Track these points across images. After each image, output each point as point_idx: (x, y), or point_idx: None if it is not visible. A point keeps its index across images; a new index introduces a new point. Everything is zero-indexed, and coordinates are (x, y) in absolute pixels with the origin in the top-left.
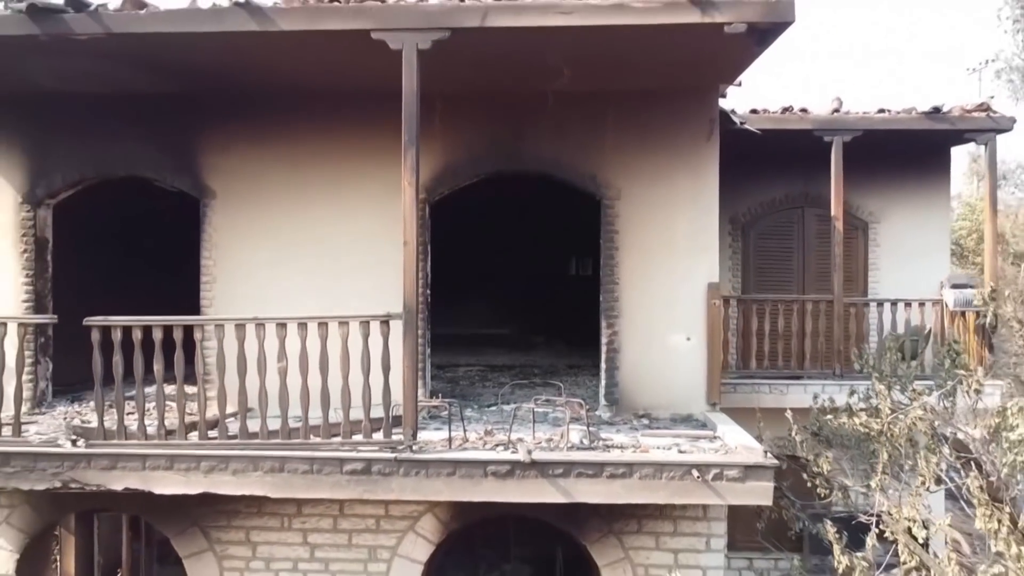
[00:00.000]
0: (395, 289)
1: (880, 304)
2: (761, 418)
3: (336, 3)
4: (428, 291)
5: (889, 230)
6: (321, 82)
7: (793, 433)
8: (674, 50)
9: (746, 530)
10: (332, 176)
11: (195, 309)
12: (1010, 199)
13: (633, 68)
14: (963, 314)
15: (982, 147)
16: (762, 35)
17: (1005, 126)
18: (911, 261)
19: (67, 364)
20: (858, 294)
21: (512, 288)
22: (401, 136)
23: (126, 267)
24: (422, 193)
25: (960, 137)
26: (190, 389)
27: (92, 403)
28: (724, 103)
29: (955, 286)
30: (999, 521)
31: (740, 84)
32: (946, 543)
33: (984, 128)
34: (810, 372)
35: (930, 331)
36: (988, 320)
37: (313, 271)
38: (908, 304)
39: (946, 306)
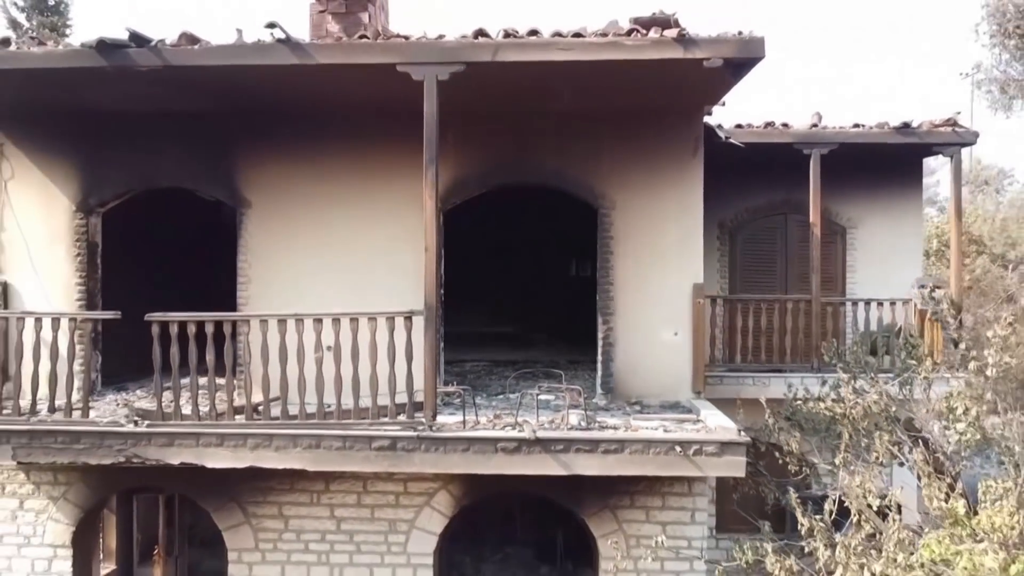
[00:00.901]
0: (410, 288)
1: (855, 303)
2: (741, 406)
3: (366, 40)
4: (442, 291)
5: (865, 235)
6: (348, 104)
7: (767, 417)
8: (661, 79)
9: (735, 517)
10: (355, 187)
11: (228, 306)
12: (989, 204)
13: (626, 94)
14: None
15: (970, 155)
16: (736, 68)
17: (969, 140)
18: (886, 263)
19: (109, 357)
20: (837, 294)
21: (515, 289)
22: (416, 151)
23: (163, 268)
24: (437, 203)
25: (929, 150)
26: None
27: (137, 391)
28: (718, 114)
29: (923, 286)
30: (938, 488)
31: (724, 104)
32: (896, 510)
33: (950, 142)
34: (790, 366)
35: (900, 328)
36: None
37: (337, 272)
38: (880, 303)
39: (915, 305)
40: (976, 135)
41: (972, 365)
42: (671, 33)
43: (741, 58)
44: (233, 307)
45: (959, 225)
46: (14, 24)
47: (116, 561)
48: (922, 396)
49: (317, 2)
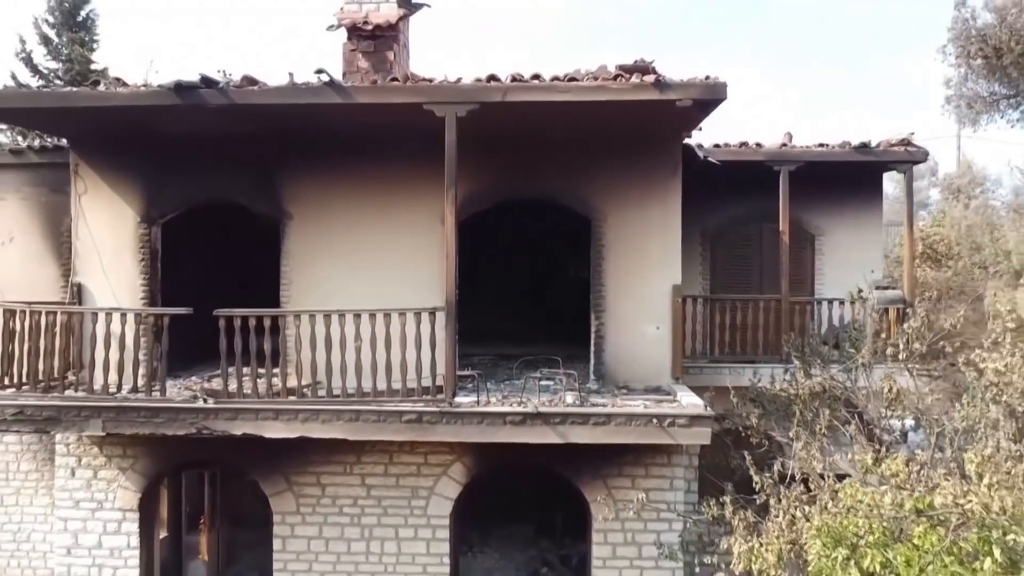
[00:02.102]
0: (428, 289)
1: (819, 302)
2: (713, 392)
3: (396, 83)
4: (457, 291)
5: (832, 242)
6: (377, 132)
7: (732, 398)
8: (642, 114)
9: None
10: (382, 201)
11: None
12: (957, 211)
13: (613, 125)
14: (886, 310)
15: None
16: (703, 107)
17: (919, 158)
18: (850, 267)
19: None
20: (807, 295)
21: (520, 290)
22: (433, 171)
23: (205, 270)
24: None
25: (886, 167)
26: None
27: (192, 378)
28: (707, 129)
29: (879, 288)
30: (865, 452)
31: (701, 129)
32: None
33: (903, 160)
34: (762, 358)
35: (860, 324)
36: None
37: (366, 274)
38: (841, 303)
39: (873, 303)
40: (926, 153)
41: (889, 351)
42: (649, 78)
43: (706, 99)
44: (269, 305)
45: (911, 233)
46: (45, 40)
47: (168, 529)
48: (863, 380)
49: (349, 41)
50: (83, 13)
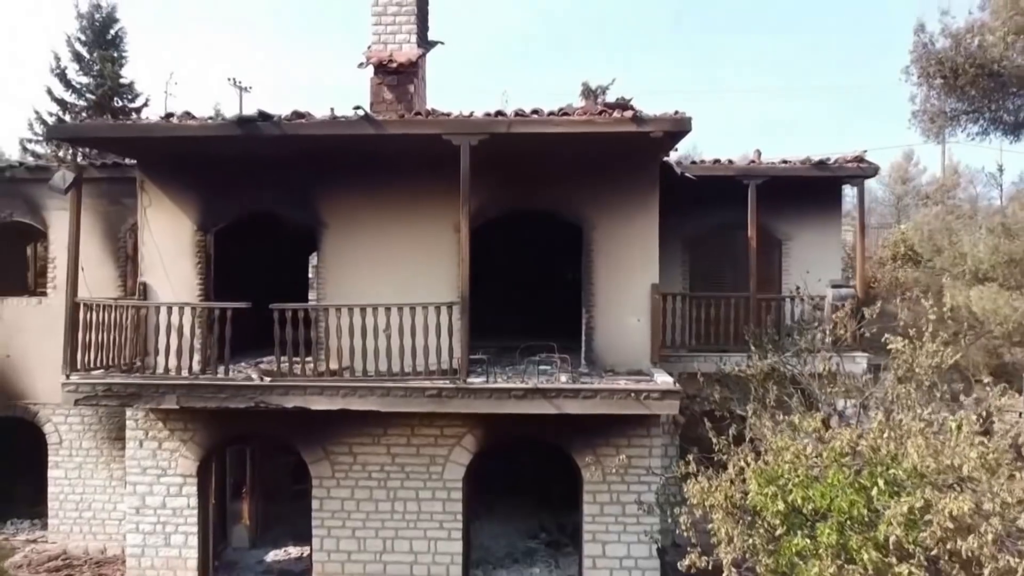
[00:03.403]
0: (443, 287)
1: (782, 299)
2: (686, 375)
3: (419, 116)
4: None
5: (797, 246)
6: (400, 155)
7: (699, 379)
8: (623, 141)
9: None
10: (403, 212)
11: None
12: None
13: (600, 149)
14: (840, 306)
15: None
16: (673, 137)
17: (870, 173)
18: (813, 268)
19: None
20: (775, 292)
21: (522, 289)
22: (447, 187)
23: (242, 270)
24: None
25: (841, 181)
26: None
27: (242, 363)
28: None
29: (834, 286)
30: (803, 420)
31: (677, 150)
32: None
33: (855, 175)
34: (733, 347)
35: (812, 317)
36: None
37: (389, 274)
38: (802, 299)
39: (828, 300)
40: (876, 169)
41: (828, 338)
42: (628, 114)
43: (675, 131)
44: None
45: (863, 239)
46: (78, 57)
47: (215, 497)
48: (809, 363)
49: (376, 76)
50: (112, 31)
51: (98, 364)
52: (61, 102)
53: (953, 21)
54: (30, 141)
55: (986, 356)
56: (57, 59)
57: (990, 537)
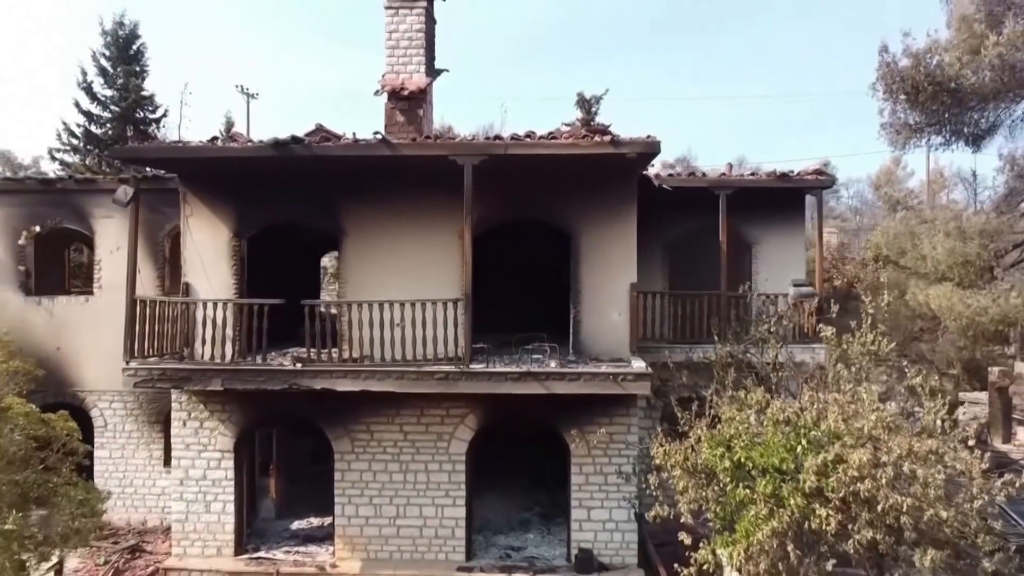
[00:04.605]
0: (449, 286)
1: (749, 297)
2: (660, 364)
3: (429, 140)
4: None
5: (765, 249)
6: (412, 171)
7: (670, 364)
8: (603, 160)
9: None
10: (413, 220)
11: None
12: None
13: (584, 166)
14: (801, 302)
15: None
16: (646, 158)
17: (828, 184)
18: (779, 269)
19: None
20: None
21: (518, 289)
22: (452, 200)
23: (271, 271)
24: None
25: (803, 192)
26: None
27: (272, 352)
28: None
29: (796, 284)
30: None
31: (653, 165)
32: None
33: (815, 186)
34: (705, 340)
35: (780, 313)
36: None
37: (402, 275)
38: (767, 296)
39: (789, 298)
40: (834, 181)
41: (780, 330)
42: (607, 138)
43: (647, 153)
44: (313, 298)
45: (821, 243)
46: (103, 72)
47: (246, 473)
48: (765, 352)
49: (390, 101)
50: (134, 47)
51: (151, 352)
52: (87, 114)
53: (914, 42)
54: (58, 150)
55: (958, 351)
56: (84, 73)
57: (884, 481)
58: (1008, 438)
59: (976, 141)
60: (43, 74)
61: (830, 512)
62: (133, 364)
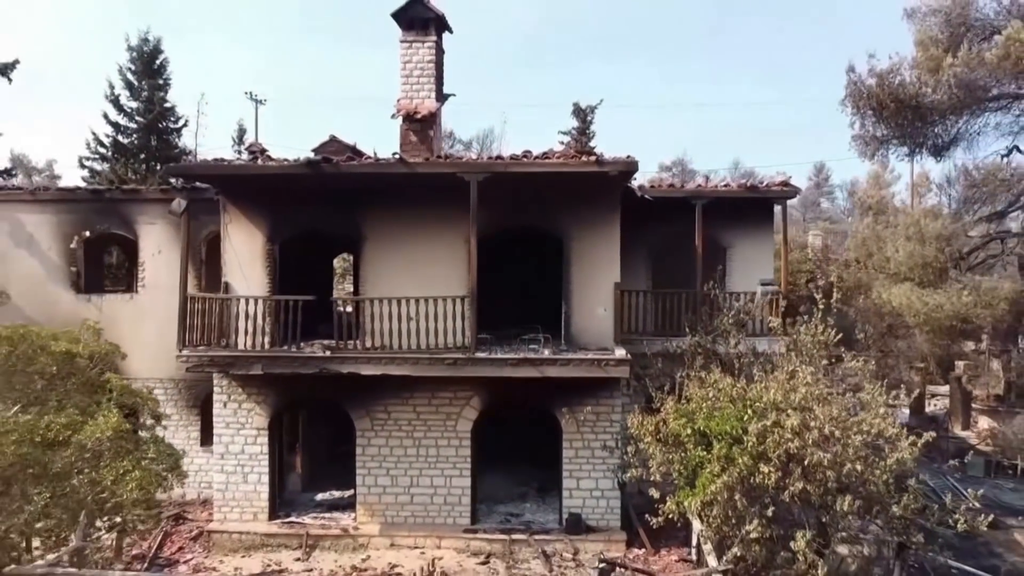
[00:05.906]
0: (456, 284)
1: (723, 295)
2: (639, 354)
3: (440, 159)
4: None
5: (738, 252)
6: (424, 185)
7: (648, 353)
8: (590, 176)
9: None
10: (425, 227)
11: (330, 294)
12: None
13: (575, 181)
14: (769, 300)
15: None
16: (626, 175)
17: (791, 195)
18: (750, 270)
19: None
20: (721, 290)
21: (515, 290)
22: (459, 210)
23: (296, 270)
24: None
25: (771, 201)
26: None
27: (302, 343)
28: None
29: (762, 283)
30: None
31: (636, 179)
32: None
33: (780, 196)
34: (683, 333)
35: (740, 308)
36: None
37: (414, 275)
38: (738, 294)
39: (757, 296)
40: (798, 191)
41: (746, 324)
42: (592, 158)
43: (627, 171)
44: (328, 295)
45: (786, 247)
46: (129, 85)
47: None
48: (731, 344)
49: (404, 123)
50: (158, 61)
51: (198, 342)
52: (115, 124)
53: (878, 63)
54: (87, 159)
55: (931, 347)
56: (111, 87)
57: (809, 440)
58: (967, 425)
59: (939, 152)
60: (42, 76)
61: (771, 470)
62: (186, 352)
